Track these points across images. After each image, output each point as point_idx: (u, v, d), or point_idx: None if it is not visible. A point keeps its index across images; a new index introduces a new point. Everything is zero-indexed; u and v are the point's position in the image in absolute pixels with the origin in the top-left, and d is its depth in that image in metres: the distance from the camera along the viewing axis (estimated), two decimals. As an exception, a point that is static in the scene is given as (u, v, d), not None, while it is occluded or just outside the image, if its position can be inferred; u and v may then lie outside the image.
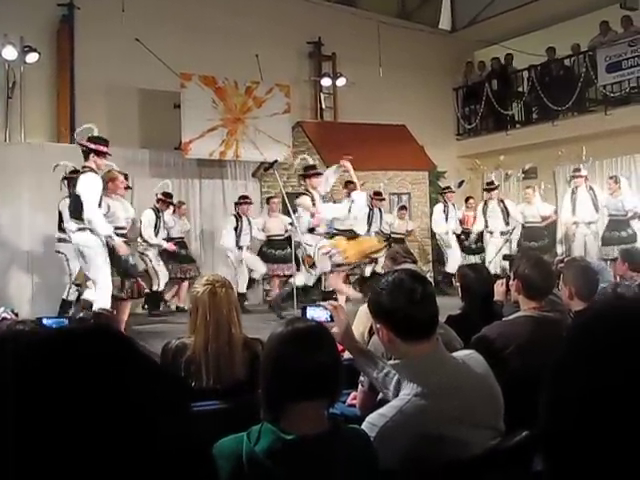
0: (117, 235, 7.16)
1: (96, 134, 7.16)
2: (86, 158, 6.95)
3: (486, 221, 12.08)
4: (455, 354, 2.35)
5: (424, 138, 13.17)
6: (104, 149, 7.00)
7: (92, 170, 6.89)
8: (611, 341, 0.80)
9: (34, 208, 9.09)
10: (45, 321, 2.08)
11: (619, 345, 0.79)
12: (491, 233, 12.08)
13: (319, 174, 9.14)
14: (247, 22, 12.36)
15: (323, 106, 14.04)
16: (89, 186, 6.77)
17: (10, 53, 10.34)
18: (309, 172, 9.17)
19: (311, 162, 9.64)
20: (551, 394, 0.84)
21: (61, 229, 8.65)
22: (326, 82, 13.84)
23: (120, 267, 7.11)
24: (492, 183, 12.10)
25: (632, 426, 0.74)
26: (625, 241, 10.49)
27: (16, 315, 8.01)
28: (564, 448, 0.81)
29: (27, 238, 9.89)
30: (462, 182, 13.52)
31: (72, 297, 8.91)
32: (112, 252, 6.98)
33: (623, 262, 5.66)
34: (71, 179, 7.79)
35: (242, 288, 10.24)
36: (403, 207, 12.41)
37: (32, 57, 10.55)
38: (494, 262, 11.38)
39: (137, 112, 11.66)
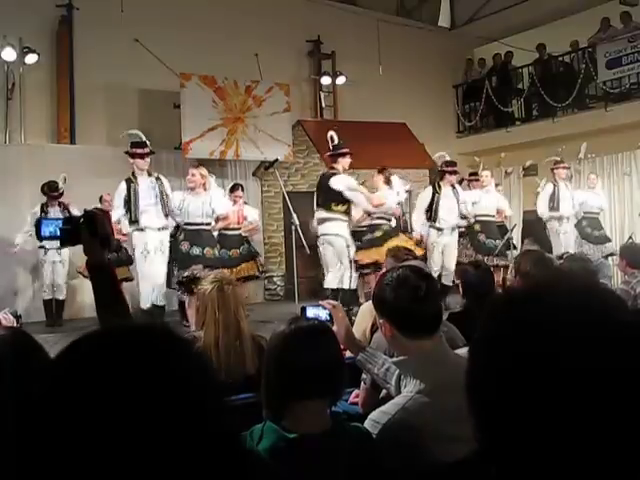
0: (192, 230, 8.04)
1: (137, 140, 8.01)
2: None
3: (435, 214, 9.49)
4: (458, 351, 2.34)
5: (424, 136, 13.17)
6: (138, 151, 7.87)
7: (128, 177, 7.83)
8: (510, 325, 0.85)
9: (34, 209, 9.06)
10: (44, 224, 2.05)
11: (517, 330, 0.83)
12: (440, 230, 9.45)
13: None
14: (246, 21, 12.35)
15: (323, 105, 14.03)
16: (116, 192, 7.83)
17: (9, 54, 10.33)
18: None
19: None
20: (470, 402, 0.87)
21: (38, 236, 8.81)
22: (326, 80, 13.83)
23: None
24: (453, 164, 9.74)
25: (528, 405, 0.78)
26: (601, 241, 10.53)
27: (19, 317, 7.99)
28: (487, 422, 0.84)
29: (27, 240, 9.86)
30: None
31: (48, 297, 9.22)
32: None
33: (622, 258, 5.68)
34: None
35: (351, 283, 8.22)
36: None
37: (31, 58, 10.54)
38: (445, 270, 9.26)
39: (137, 112, 11.65)
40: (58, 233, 2.01)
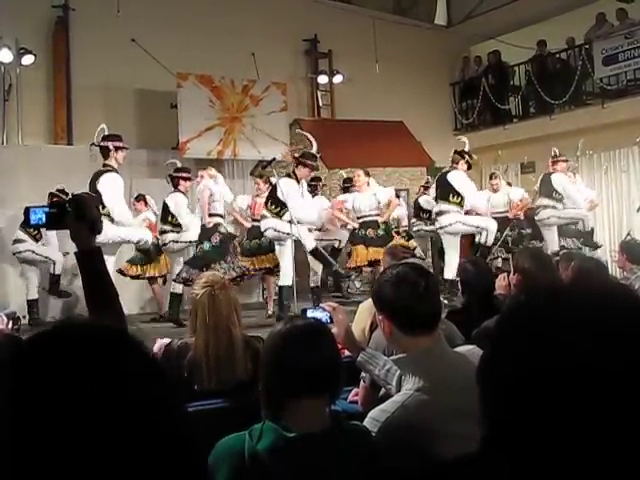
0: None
1: (107, 133, 7.67)
2: (106, 157, 7.49)
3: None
4: (457, 349, 2.34)
5: (422, 134, 13.17)
6: (121, 144, 7.60)
7: (113, 169, 7.44)
8: (534, 331, 0.82)
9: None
10: (32, 212, 1.98)
11: (541, 334, 0.81)
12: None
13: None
14: (243, 20, 12.35)
15: (320, 103, 14.03)
16: (109, 184, 7.28)
17: (5, 55, 10.34)
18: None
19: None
20: (483, 392, 0.86)
21: (25, 231, 9.04)
22: (323, 79, 13.83)
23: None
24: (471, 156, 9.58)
25: (558, 415, 0.76)
26: (583, 234, 10.50)
27: (17, 319, 7.98)
28: (503, 439, 0.82)
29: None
30: None
31: (34, 296, 9.34)
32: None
33: (622, 254, 5.68)
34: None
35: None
36: None
37: (28, 59, 10.54)
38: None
39: (134, 112, 11.65)
40: (44, 219, 1.93)
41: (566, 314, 0.82)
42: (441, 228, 9.22)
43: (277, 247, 8.34)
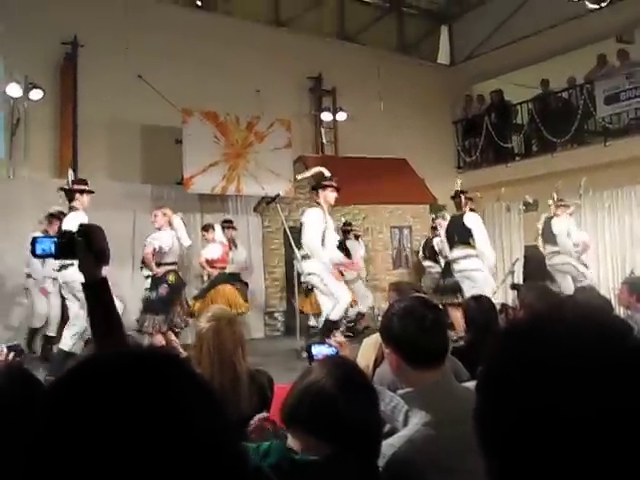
0: None
1: (71, 179, 8.07)
2: (72, 200, 7.83)
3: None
4: (464, 385, 2.33)
5: (425, 171, 13.24)
6: (85, 187, 7.94)
7: (78, 209, 7.76)
8: (522, 363, 0.83)
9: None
10: (38, 241, 2.00)
11: (529, 367, 0.82)
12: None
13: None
14: (248, 58, 12.51)
15: (324, 140, 14.14)
16: (72, 222, 7.32)
17: (15, 90, 10.45)
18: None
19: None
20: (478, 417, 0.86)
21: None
22: (327, 117, 13.97)
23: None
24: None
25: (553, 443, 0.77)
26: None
27: (20, 352, 7.93)
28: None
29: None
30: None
31: (38, 324, 9.47)
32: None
33: (630, 294, 5.54)
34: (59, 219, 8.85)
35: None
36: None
37: (36, 94, 10.66)
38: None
39: (139, 147, 11.74)
40: (52, 249, 1.93)
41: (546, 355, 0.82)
42: (460, 272, 8.98)
43: (315, 291, 8.68)
